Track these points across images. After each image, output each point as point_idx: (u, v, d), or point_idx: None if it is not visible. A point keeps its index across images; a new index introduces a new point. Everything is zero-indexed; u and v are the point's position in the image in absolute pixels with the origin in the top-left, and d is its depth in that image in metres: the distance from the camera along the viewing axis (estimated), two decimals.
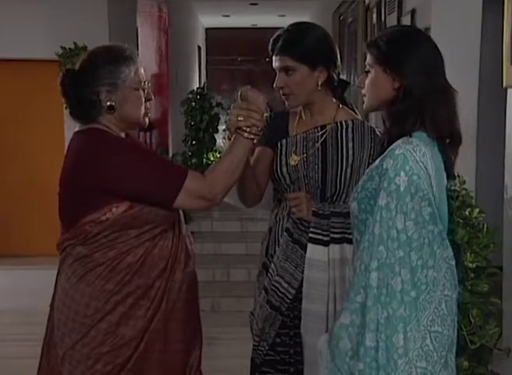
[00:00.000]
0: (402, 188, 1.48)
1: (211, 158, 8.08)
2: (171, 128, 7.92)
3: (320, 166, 2.05)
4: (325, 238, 2.01)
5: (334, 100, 2.12)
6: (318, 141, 2.07)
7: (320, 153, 2.06)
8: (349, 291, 1.55)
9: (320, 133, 2.08)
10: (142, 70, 1.94)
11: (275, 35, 2.06)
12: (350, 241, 1.97)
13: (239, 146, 1.87)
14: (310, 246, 2.02)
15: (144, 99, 1.94)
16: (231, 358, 3.69)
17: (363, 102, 1.69)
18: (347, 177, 2.03)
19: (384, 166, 1.51)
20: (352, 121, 2.08)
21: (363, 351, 1.48)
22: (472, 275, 2.03)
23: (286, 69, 2.03)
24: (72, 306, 1.86)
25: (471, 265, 2.01)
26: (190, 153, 7.90)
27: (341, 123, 2.07)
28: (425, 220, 1.49)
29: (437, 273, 1.50)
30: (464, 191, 2.09)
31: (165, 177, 1.84)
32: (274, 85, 2.07)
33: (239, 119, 1.86)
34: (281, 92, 2.07)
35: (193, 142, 7.93)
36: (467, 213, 2.07)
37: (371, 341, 1.48)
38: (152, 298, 1.87)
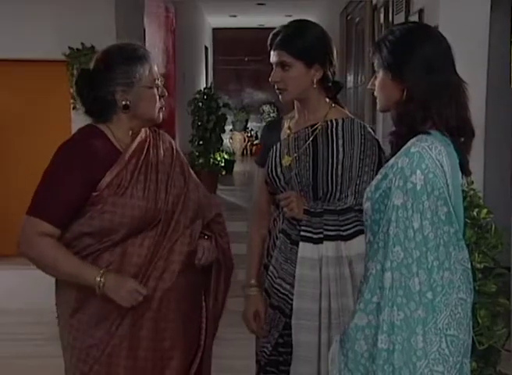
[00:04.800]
0: (418, 187, 1.46)
1: (218, 158, 8.09)
2: (178, 128, 7.93)
3: (311, 163, 2.07)
4: (316, 236, 2.01)
5: (327, 100, 2.14)
6: (308, 139, 2.09)
7: (311, 151, 2.08)
8: (363, 291, 1.53)
9: (310, 131, 2.10)
10: (155, 68, 1.94)
11: (274, 30, 2.09)
12: (344, 239, 2.00)
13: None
14: (301, 244, 2.03)
15: (158, 97, 1.95)
16: (236, 358, 3.68)
17: (373, 103, 1.69)
18: (339, 174, 2.04)
19: (399, 165, 1.49)
20: (342, 119, 2.10)
21: (375, 352, 1.47)
22: (480, 275, 2.01)
23: (282, 65, 2.05)
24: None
25: (478, 265, 2.00)
26: (197, 153, 7.91)
27: (331, 121, 2.09)
28: (441, 220, 1.47)
29: (452, 275, 1.49)
30: (471, 192, 2.08)
31: (42, 197, 1.85)
32: (270, 79, 2.10)
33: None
34: (276, 87, 2.10)
35: (200, 142, 7.94)
36: (475, 214, 2.06)
37: (383, 342, 1.46)
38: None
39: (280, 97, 2.11)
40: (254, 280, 2.19)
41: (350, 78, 7.39)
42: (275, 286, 2.09)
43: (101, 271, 1.82)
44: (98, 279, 1.81)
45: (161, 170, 1.95)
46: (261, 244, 2.22)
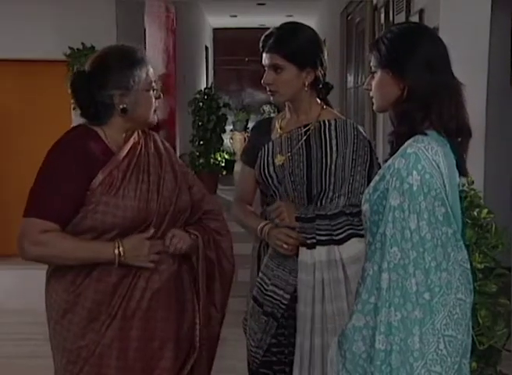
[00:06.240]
0: (415, 188, 1.46)
1: (218, 159, 8.09)
2: (178, 128, 7.93)
3: (305, 163, 2.08)
4: (309, 241, 2.01)
5: (318, 101, 2.16)
6: (301, 139, 2.10)
7: (304, 151, 2.09)
8: (360, 292, 1.53)
9: (303, 130, 2.11)
10: (151, 70, 1.94)
11: (266, 32, 2.10)
12: (336, 243, 2.00)
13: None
14: (300, 249, 2.03)
15: (154, 99, 1.94)
16: (238, 358, 3.67)
17: (372, 103, 1.69)
18: (332, 174, 2.06)
19: (396, 166, 1.49)
20: (335, 120, 2.12)
21: (373, 353, 1.47)
22: (480, 276, 2.01)
23: (275, 67, 2.07)
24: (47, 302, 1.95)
25: (479, 265, 2.00)
26: (197, 153, 7.92)
27: (324, 121, 2.11)
28: (438, 221, 1.47)
29: (451, 276, 1.48)
30: (472, 192, 2.08)
31: (38, 198, 1.85)
32: (262, 81, 2.11)
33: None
34: (268, 88, 2.11)
35: (201, 142, 7.95)
36: (475, 214, 2.06)
37: (380, 343, 1.46)
38: (110, 304, 1.85)
39: (272, 98, 2.13)
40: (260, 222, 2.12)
41: (350, 78, 7.38)
42: (268, 293, 2.09)
43: (116, 243, 1.84)
44: (117, 251, 1.83)
45: (152, 172, 1.94)
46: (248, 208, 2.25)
